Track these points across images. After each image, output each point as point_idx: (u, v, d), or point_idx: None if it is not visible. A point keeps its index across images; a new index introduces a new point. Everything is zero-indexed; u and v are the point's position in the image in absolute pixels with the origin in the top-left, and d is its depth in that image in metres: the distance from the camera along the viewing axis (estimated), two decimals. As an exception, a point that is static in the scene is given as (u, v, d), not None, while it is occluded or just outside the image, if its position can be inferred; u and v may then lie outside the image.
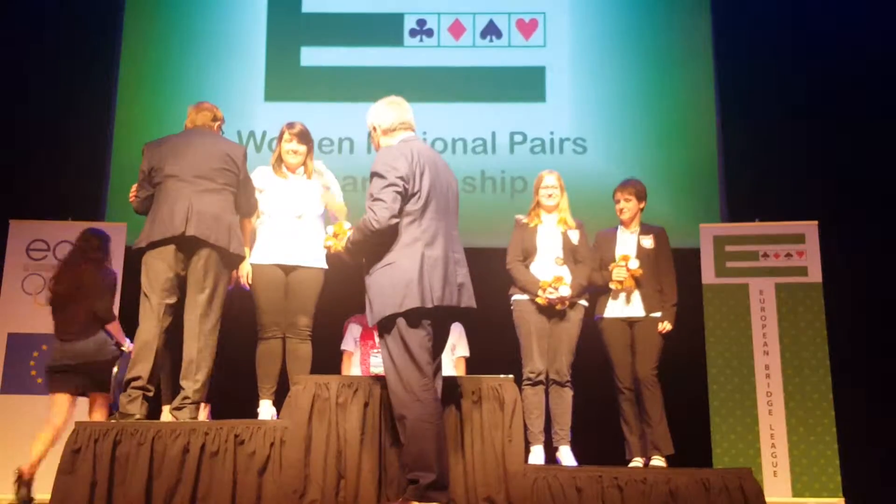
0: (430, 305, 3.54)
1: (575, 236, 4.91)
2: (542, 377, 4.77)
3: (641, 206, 5.13)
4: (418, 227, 3.61)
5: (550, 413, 4.80)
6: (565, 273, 4.81)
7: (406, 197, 3.60)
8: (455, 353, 5.64)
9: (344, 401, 3.92)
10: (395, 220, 3.56)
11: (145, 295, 4.16)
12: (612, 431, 5.01)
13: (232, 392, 4.85)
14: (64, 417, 4.90)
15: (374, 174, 3.63)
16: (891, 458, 5.92)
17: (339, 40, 6.94)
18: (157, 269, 4.15)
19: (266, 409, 4.55)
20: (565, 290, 4.73)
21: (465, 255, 3.82)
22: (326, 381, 3.98)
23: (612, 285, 4.95)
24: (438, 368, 3.77)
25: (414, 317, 3.55)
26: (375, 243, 3.61)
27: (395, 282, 3.55)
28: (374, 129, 3.84)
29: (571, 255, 4.89)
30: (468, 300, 3.72)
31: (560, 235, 4.91)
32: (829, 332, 5.85)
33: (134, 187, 4.44)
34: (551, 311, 4.79)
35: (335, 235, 3.95)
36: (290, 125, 4.73)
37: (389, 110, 3.82)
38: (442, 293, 3.57)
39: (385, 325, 3.61)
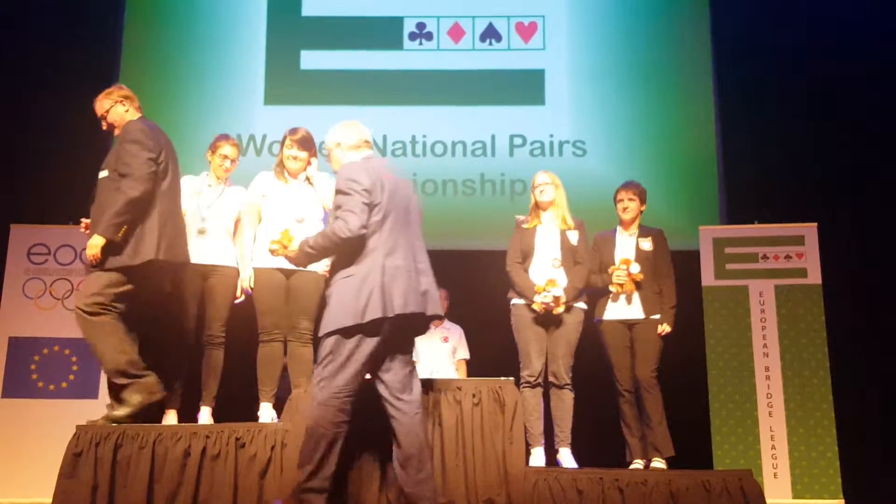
0: (391, 315, 3.57)
1: (574, 237, 4.85)
2: (540, 379, 4.76)
3: (642, 208, 5.14)
4: (378, 238, 3.66)
5: (551, 415, 4.79)
6: (560, 275, 4.75)
7: (370, 208, 3.66)
8: (456, 356, 5.65)
9: (344, 404, 3.92)
10: (363, 231, 3.62)
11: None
12: (612, 434, 5.01)
13: (232, 395, 4.86)
14: None
15: (339, 191, 3.70)
16: (891, 460, 5.92)
17: (338, 44, 6.94)
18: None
19: (266, 412, 4.55)
20: (557, 291, 4.68)
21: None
22: (327, 384, 3.99)
23: (612, 288, 4.95)
24: (412, 375, 3.77)
25: (373, 327, 3.58)
26: (338, 254, 3.68)
27: (358, 292, 3.58)
28: (339, 145, 3.92)
29: (571, 255, 4.84)
30: (434, 308, 3.75)
31: (558, 236, 4.85)
32: (829, 333, 5.84)
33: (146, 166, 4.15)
34: (550, 315, 4.73)
35: (283, 241, 3.84)
36: (293, 131, 4.74)
37: (351, 129, 3.95)
38: (404, 301, 3.61)
39: (335, 333, 3.60)
